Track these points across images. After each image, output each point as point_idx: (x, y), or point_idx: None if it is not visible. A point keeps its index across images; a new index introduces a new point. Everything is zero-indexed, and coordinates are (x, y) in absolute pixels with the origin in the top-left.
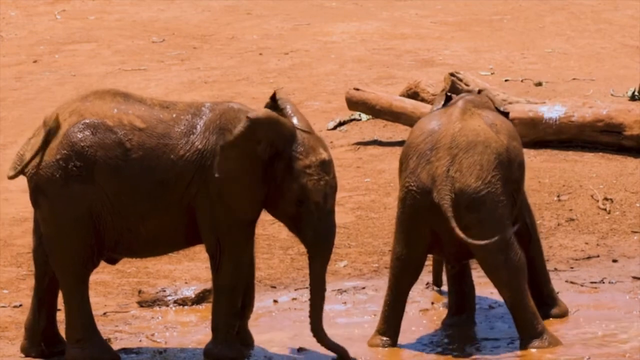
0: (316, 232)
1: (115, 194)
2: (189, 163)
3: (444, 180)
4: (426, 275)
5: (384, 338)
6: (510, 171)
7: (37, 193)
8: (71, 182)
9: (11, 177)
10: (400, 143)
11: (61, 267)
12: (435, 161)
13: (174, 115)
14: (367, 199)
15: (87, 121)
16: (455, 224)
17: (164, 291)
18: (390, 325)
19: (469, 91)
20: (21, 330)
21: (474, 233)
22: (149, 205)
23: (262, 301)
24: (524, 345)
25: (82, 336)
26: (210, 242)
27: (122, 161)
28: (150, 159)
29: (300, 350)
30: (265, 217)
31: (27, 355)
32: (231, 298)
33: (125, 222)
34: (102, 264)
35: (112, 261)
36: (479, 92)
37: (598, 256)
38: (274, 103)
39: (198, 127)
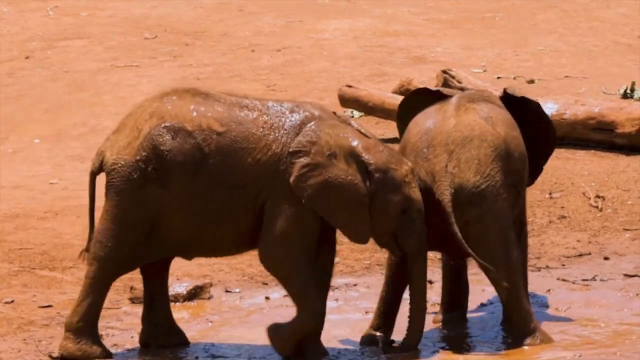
0: (419, 238)
1: (189, 197)
2: (265, 167)
3: (443, 176)
4: None
5: (378, 334)
6: (510, 163)
7: (112, 190)
8: (148, 184)
9: (92, 173)
10: (392, 140)
11: (97, 258)
12: (433, 158)
13: (253, 117)
14: None
15: (168, 124)
16: (454, 221)
17: None
18: (384, 321)
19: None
20: (12, 326)
21: (476, 228)
22: (220, 208)
23: (253, 298)
24: (516, 343)
25: (83, 327)
26: (266, 250)
27: (199, 166)
28: (228, 163)
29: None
30: None
31: (144, 347)
32: (308, 306)
33: (193, 225)
34: None
35: (189, 257)
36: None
37: (590, 254)
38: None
39: (276, 129)
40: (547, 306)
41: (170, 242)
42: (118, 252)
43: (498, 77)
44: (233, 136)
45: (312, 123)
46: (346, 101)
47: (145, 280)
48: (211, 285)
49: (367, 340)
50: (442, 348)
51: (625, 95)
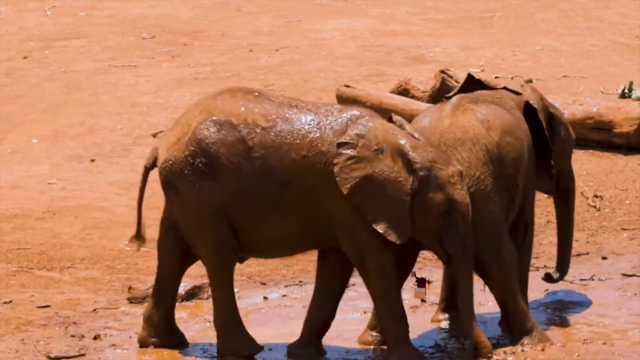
0: (462, 241)
1: (236, 192)
2: (310, 164)
3: None
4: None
5: (375, 334)
6: (502, 167)
7: (169, 188)
8: (199, 178)
9: (146, 168)
10: None
11: (206, 258)
12: None
13: (300, 114)
14: None
15: (214, 118)
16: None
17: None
18: None
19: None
20: (10, 326)
21: None
22: (269, 205)
23: (251, 298)
24: (513, 343)
25: (224, 329)
26: (350, 251)
27: (243, 159)
28: (272, 158)
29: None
30: None
31: (143, 346)
32: (389, 304)
33: (249, 222)
34: (99, 259)
35: (240, 260)
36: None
37: (588, 253)
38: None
39: (323, 127)
40: (545, 306)
41: (237, 240)
42: (214, 246)
43: (496, 77)
44: (277, 131)
45: (363, 119)
46: (344, 101)
47: (159, 279)
48: (209, 285)
49: (366, 340)
50: (439, 348)
51: (623, 95)
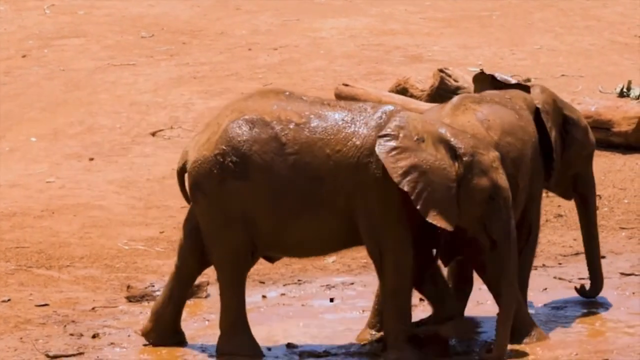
0: (506, 226)
1: (269, 189)
2: (345, 159)
3: None
4: None
5: (374, 332)
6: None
7: (195, 189)
8: (227, 178)
9: (178, 172)
10: None
11: (219, 263)
12: None
13: (334, 111)
14: None
15: (246, 117)
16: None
17: (153, 286)
18: (381, 319)
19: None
20: (9, 325)
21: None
22: (303, 202)
23: (250, 297)
24: (512, 342)
25: (229, 329)
26: (370, 246)
27: (276, 156)
28: (305, 154)
29: (289, 346)
30: None
31: (145, 338)
32: (395, 302)
33: (279, 220)
34: (97, 257)
35: (270, 259)
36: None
37: None
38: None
39: (357, 123)
40: (543, 305)
41: (262, 240)
42: (232, 249)
43: None
44: (311, 127)
45: (399, 112)
46: (343, 100)
47: (175, 277)
48: (208, 283)
49: (364, 339)
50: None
51: (621, 94)
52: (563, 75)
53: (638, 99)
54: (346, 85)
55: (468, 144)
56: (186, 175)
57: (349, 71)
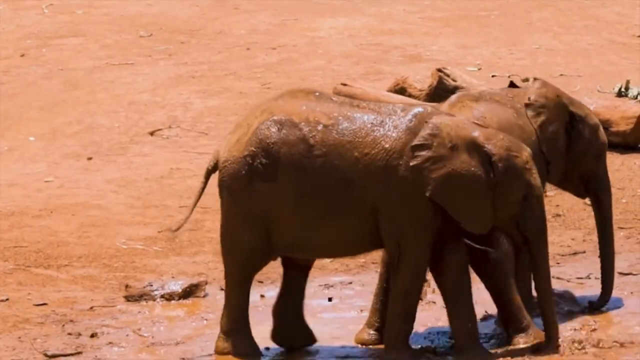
0: (539, 225)
1: (298, 191)
2: (373, 162)
3: None
4: None
5: (371, 331)
6: None
7: (223, 187)
8: (255, 179)
9: (207, 171)
10: None
11: (229, 260)
12: None
13: (363, 113)
14: None
15: (275, 118)
16: None
17: (151, 286)
18: (379, 319)
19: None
20: (7, 324)
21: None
22: (330, 204)
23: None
24: (509, 340)
25: (230, 328)
26: (390, 245)
27: (305, 157)
28: (334, 156)
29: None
30: None
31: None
32: (404, 302)
33: (306, 222)
34: (95, 257)
35: (291, 260)
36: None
37: (584, 252)
38: None
39: (387, 125)
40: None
41: (285, 241)
42: (245, 250)
43: (493, 76)
44: (340, 129)
45: (433, 117)
46: None
47: (285, 273)
48: (206, 283)
49: (362, 339)
50: (437, 346)
51: (620, 94)
52: (561, 74)
53: (636, 98)
54: (344, 84)
55: (501, 148)
56: (218, 173)
57: (347, 71)
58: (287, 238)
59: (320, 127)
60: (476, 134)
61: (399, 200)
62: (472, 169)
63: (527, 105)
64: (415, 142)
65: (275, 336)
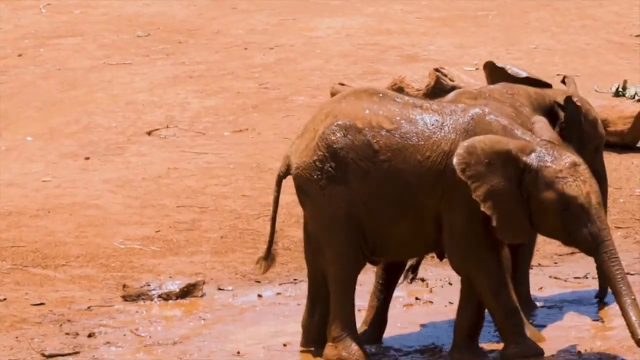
0: (591, 233)
1: (367, 195)
2: (434, 165)
3: None
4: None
5: (369, 330)
6: None
7: (301, 193)
8: (329, 182)
9: (279, 177)
10: None
11: (330, 264)
12: None
13: (424, 115)
14: None
15: (340, 122)
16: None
17: (149, 285)
18: (376, 317)
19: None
20: (5, 324)
21: None
22: (398, 208)
23: (246, 296)
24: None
25: (338, 334)
26: (450, 249)
27: (371, 163)
28: (397, 161)
29: (286, 345)
30: (250, 211)
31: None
32: (499, 303)
33: (379, 225)
34: (93, 257)
35: (373, 263)
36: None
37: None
38: None
39: (446, 127)
40: (538, 304)
41: (370, 242)
42: (341, 251)
43: None
44: (402, 133)
45: (481, 120)
46: None
47: (310, 285)
48: (204, 283)
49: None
50: (434, 346)
51: (617, 94)
52: (559, 74)
53: (633, 98)
54: (342, 84)
55: (534, 159)
56: (292, 179)
57: (345, 70)
58: (369, 240)
59: (383, 132)
60: (509, 147)
61: (458, 202)
62: (507, 183)
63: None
64: (455, 160)
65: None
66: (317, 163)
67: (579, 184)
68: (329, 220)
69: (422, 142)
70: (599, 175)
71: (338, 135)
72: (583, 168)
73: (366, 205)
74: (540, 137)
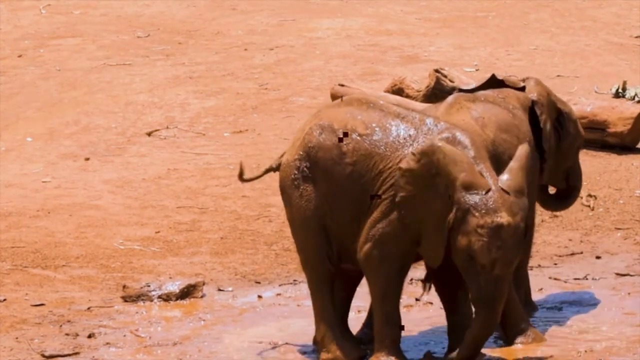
0: (480, 293)
1: (330, 197)
2: (392, 176)
3: None
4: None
5: (368, 331)
6: (497, 164)
7: (281, 191)
8: (303, 182)
9: (271, 168)
10: None
11: (305, 265)
12: None
13: (400, 127)
14: None
15: (320, 123)
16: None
17: (148, 286)
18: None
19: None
20: (5, 325)
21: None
22: (358, 213)
23: (246, 296)
24: (508, 342)
25: (322, 337)
26: (363, 241)
27: (336, 164)
28: (361, 166)
29: (285, 345)
30: (249, 212)
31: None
32: (382, 309)
33: (343, 230)
34: (93, 257)
35: (346, 270)
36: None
37: (582, 252)
38: None
39: (416, 144)
40: (539, 305)
41: (336, 247)
42: (313, 252)
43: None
44: (372, 140)
45: (449, 137)
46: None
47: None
48: (204, 283)
49: (360, 338)
50: (435, 347)
51: (617, 95)
52: (559, 75)
53: (633, 99)
54: (342, 85)
55: (469, 199)
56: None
57: (344, 71)
58: (334, 245)
59: (354, 136)
60: (461, 175)
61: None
62: (438, 203)
63: (534, 103)
64: (412, 150)
65: None
66: (297, 161)
67: (490, 249)
68: (300, 222)
69: (389, 153)
70: (580, 175)
71: (314, 134)
72: (507, 233)
73: (331, 208)
74: (506, 179)
